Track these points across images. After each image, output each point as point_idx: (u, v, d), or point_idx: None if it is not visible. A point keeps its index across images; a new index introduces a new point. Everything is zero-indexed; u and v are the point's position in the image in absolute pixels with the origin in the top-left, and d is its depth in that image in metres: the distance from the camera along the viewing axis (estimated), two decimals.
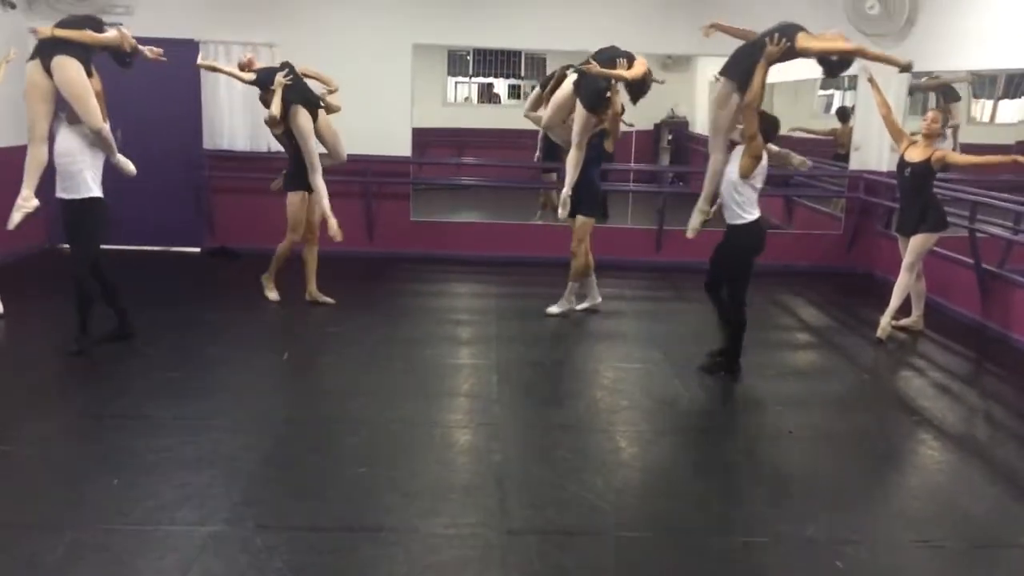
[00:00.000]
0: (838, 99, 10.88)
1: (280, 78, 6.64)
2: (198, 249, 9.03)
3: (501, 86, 14.06)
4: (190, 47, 8.48)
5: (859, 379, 5.97)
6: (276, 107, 6.55)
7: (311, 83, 7.10)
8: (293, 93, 6.69)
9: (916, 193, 6.57)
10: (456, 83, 13.91)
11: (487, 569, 3.39)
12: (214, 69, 7.14)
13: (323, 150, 7.10)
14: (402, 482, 4.07)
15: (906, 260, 6.62)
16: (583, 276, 7.03)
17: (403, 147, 8.95)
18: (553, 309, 7.05)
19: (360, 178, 8.84)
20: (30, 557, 3.33)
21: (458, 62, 13.71)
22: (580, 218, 6.79)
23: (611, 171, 10.80)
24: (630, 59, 6.43)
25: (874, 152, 9.12)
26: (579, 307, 7.14)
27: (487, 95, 13.95)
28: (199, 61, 7.11)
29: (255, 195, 8.49)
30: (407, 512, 3.79)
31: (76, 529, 3.53)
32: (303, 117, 6.72)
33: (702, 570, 3.46)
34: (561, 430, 4.84)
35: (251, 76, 6.89)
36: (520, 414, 5.05)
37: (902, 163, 6.65)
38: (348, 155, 8.43)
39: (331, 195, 7.96)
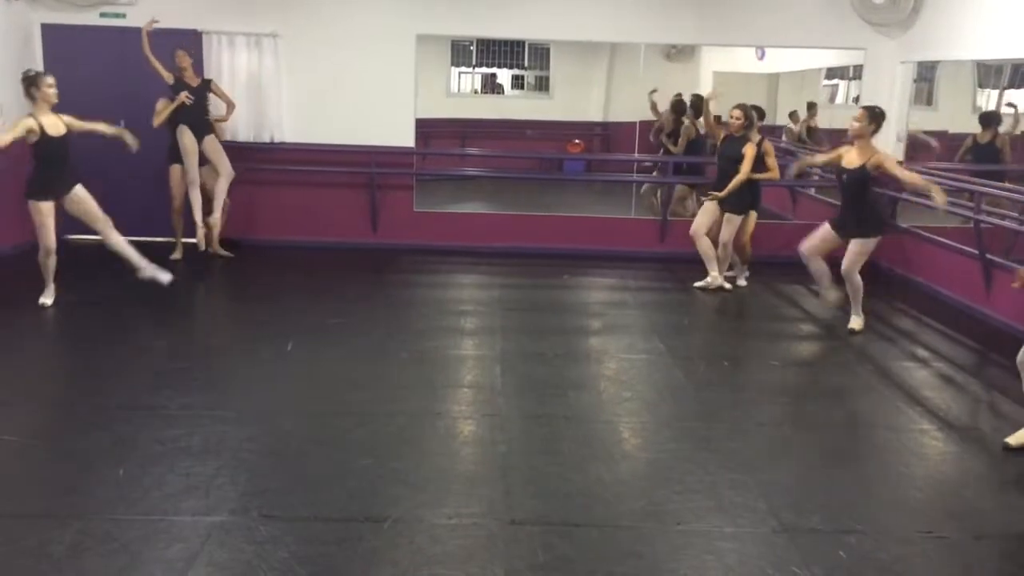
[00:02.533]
0: (843, 88, 10.85)
1: (182, 96, 7.50)
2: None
3: (504, 76, 14.03)
4: (193, 38, 8.49)
5: (863, 369, 5.96)
6: (161, 117, 7.61)
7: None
8: (186, 113, 7.64)
9: (854, 199, 6.43)
10: (460, 73, 13.89)
11: (491, 559, 3.40)
12: (148, 57, 7.61)
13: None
14: (406, 473, 4.09)
15: (844, 266, 6.49)
16: (748, 259, 8.12)
17: (406, 138, 8.93)
18: (741, 282, 8.07)
19: (364, 169, 8.84)
20: (36, 547, 3.35)
21: (462, 52, 13.68)
22: (753, 213, 7.89)
23: (613, 162, 10.82)
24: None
25: (878, 142, 9.08)
26: (729, 281, 8.06)
27: (490, 86, 13.92)
28: (144, 25, 7.60)
29: (257, 186, 8.51)
30: (412, 503, 3.80)
31: (82, 519, 3.55)
32: (188, 138, 7.70)
33: (704, 561, 3.47)
34: (565, 421, 4.84)
35: (171, 79, 7.67)
36: (524, 405, 5.06)
37: (840, 169, 6.48)
38: (352, 145, 8.48)
39: (336, 186, 7.96)
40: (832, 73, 10.94)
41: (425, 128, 9.53)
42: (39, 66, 8.53)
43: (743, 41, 9.23)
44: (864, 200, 6.45)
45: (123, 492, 3.78)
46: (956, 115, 9.32)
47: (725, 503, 3.91)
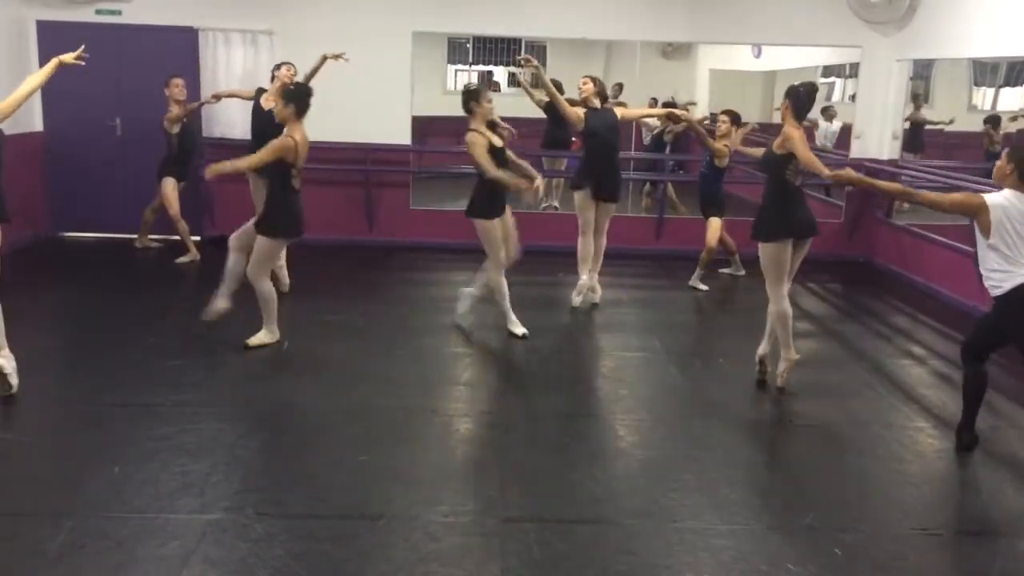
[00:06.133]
0: (839, 86, 10.86)
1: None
2: (197, 238, 9.01)
3: (501, 74, 14.01)
4: (189, 35, 8.47)
5: (858, 367, 5.97)
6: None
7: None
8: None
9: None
10: (456, 71, 13.87)
11: (487, 557, 3.40)
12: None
13: None
14: (402, 470, 4.09)
15: (248, 269, 5.68)
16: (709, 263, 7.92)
17: (403, 135, 8.93)
18: (703, 286, 7.78)
19: (360, 166, 8.83)
20: (31, 545, 3.34)
21: (458, 50, 13.66)
22: (714, 220, 7.70)
23: None
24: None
25: (875, 140, 9.11)
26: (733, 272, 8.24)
27: (487, 83, 13.91)
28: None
29: None
30: (407, 500, 3.80)
31: (77, 517, 3.54)
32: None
33: (699, 558, 3.47)
34: (560, 418, 4.85)
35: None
36: (519, 402, 5.06)
37: None
38: (349, 142, 8.62)
39: (332, 183, 8.00)
40: (829, 71, 10.94)
41: (422, 125, 9.51)
42: (34, 63, 8.51)
43: (739, 39, 9.23)
44: (272, 190, 5.56)
45: (118, 490, 3.78)
46: (952, 113, 9.34)
47: (720, 500, 3.92)
